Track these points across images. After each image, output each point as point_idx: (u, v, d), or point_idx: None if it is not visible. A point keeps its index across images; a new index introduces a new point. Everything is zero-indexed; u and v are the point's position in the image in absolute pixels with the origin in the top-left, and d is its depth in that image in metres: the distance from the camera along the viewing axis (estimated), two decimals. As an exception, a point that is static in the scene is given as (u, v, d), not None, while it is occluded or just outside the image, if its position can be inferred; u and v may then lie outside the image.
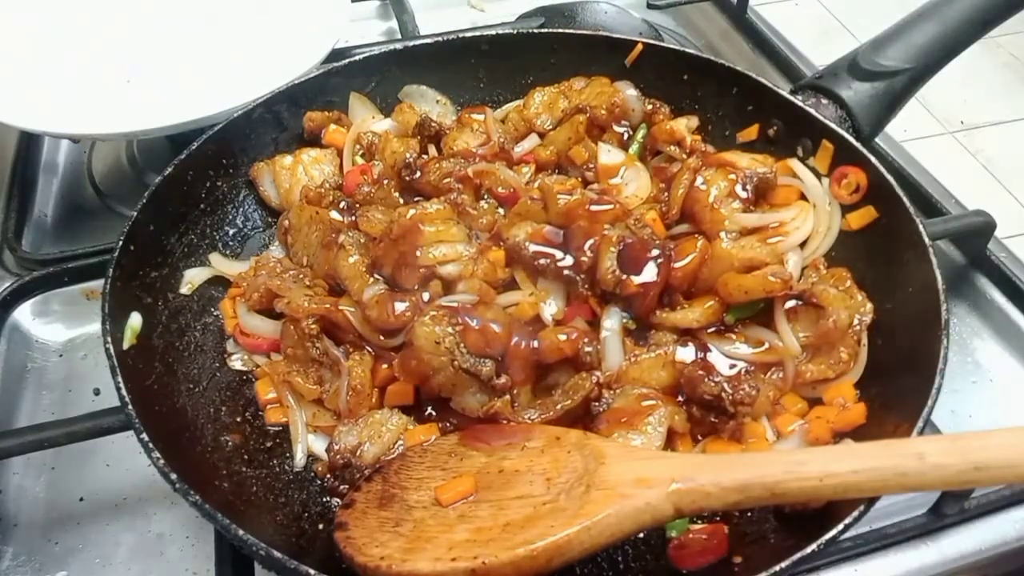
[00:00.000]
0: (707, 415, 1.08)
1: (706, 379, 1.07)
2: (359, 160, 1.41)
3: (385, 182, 1.30)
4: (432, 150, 1.39)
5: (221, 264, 1.28)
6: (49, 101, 1.51)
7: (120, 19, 1.72)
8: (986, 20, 1.36)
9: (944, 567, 1.10)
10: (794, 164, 1.31)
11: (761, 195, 1.29)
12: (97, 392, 1.29)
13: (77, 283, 1.40)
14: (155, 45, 1.68)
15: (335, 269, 1.20)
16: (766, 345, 1.15)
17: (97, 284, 1.38)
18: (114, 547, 1.12)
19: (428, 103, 1.49)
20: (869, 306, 1.14)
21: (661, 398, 1.09)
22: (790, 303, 1.16)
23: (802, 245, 1.26)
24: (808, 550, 0.88)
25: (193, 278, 1.25)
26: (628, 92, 1.43)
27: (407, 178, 1.30)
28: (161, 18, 1.74)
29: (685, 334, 1.17)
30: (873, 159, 1.24)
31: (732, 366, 1.14)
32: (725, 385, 1.06)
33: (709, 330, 1.17)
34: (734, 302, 1.16)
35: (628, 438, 1.04)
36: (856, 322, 1.12)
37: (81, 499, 1.17)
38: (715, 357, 1.15)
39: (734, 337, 1.16)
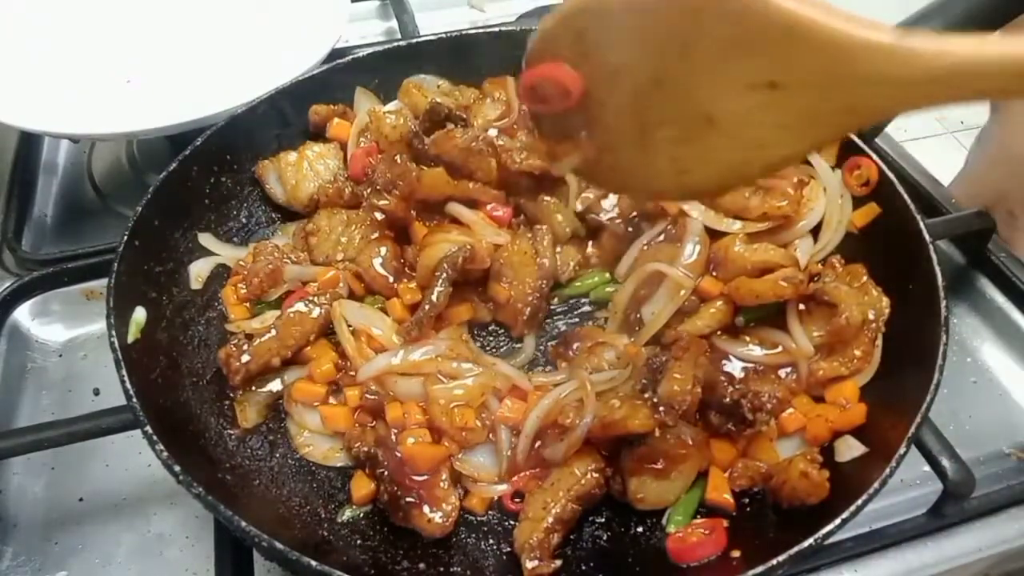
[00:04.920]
0: (725, 422, 1.06)
1: (725, 384, 1.05)
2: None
3: (397, 157, 1.27)
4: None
5: (216, 246, 1.29)
6: (49, 101, 1.51)
7: (120, 19, 1.72)
8: (991, 20, 1.35)
9: (944, 567, 1.10)
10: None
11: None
12: (97, 392, 1.29)
13: (77, 283, 1.40)
14: (155, 45, 1.69)
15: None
16: (779, 348, 1.14)
17: (97, 284, 1.39)
18: (114, 547, 1.12)
19: (429, 88, 1.47)
20: (886, 300, 1.14)
21: None
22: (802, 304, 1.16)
23: (815, 238, 1.26)
24: (806, 544, 0.88)
25: (200, 271, 1.25)
26: None
27: (418, 146, 1.29)
28: (161, 18, 1.74)
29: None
30: (875, 156, 1.24)
31: (743, 368, 1.13)
32: (745, 392, 1.04)
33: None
34: (746, 305, 1.16)
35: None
36: (872, 317, 1.12)
37: (81, 499, 1.17)
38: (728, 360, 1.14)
39: (747, 339, 1.16)
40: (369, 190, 1.28)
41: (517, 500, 1.05)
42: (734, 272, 1.17)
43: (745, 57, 0.69)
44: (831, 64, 0.66)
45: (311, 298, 1.19)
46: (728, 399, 1.04)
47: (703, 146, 0.76)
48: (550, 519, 0.99)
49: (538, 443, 1.06)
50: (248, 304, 1.24)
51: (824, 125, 0.73)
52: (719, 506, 1.04)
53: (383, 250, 1.25)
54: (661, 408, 0.99)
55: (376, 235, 1.27)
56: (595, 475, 1.02)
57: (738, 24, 0.68)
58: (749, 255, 1.17)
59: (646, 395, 1.02)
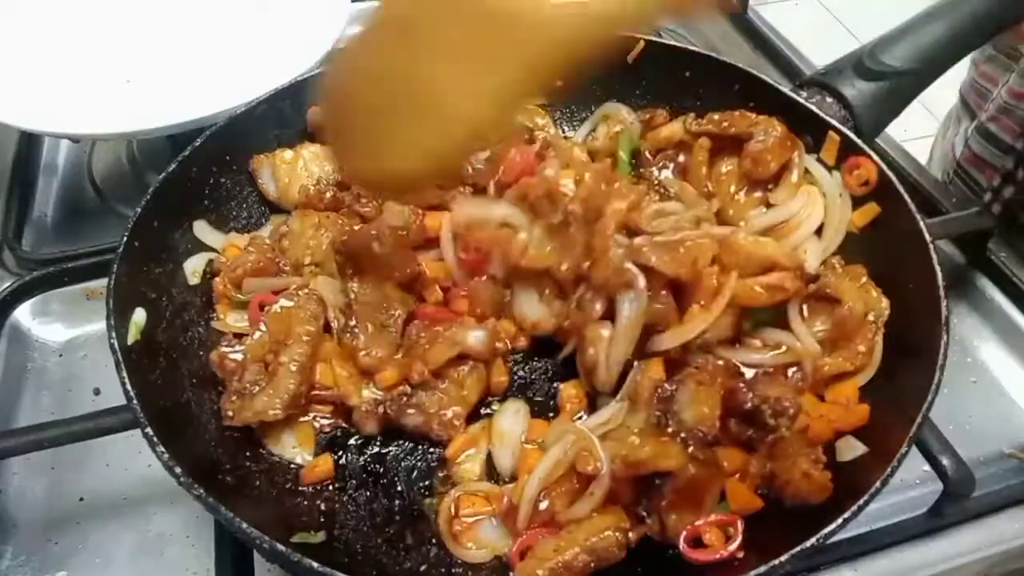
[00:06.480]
0: (745, 429, 1.03)
1: (745, 391, 1.03)
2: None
3: None
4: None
5: (210, 238, 1.29)
6: (49, 101, 1.51)
7: (120, 19, 1.72)
8: (997, 23, 1.34)
9: (944, 567, 1.10)
10: (804, 158, 1.30)
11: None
12: (97, 392, 1.28)
13: (77, 283, 1.40)
14: (155, 45, 1.68)
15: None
16: (784, 348, 1.13)
17: (97, 284, 1.39)
18: (114, 547, 1.12)
19: None
20: (885, 302, 1.14)
21: None
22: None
23: (819, 235, 1.25)
24: (808, 544, 0.88)
25: (195, 267, 1.25)
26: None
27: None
28: (161, 18, 1.73)
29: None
30: (875, 156, 1.24)
31: (752, 372, 1.11)
32: (766, 397, 1.01)
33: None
34: (747, 307, 1.14)
35: None
36: (872, 318, 1.11)
37: (81, 499, 1.17)
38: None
39: (751, 343, 1.14)
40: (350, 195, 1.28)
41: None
42: (734, 260, 1.13)
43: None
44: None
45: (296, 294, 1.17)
46: (749, 404, 1.02)
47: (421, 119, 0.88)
48: (559, 561, 0.93)
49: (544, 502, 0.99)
50: (235, 292, 1.22)
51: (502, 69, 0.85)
52: (748, 510, 1.02)
53: None
54: (691, 442, 0.96)
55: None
56: (618, 535, 0.96)
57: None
58: (752, 247, 1.14)
59: (669, 429, 0.97)
